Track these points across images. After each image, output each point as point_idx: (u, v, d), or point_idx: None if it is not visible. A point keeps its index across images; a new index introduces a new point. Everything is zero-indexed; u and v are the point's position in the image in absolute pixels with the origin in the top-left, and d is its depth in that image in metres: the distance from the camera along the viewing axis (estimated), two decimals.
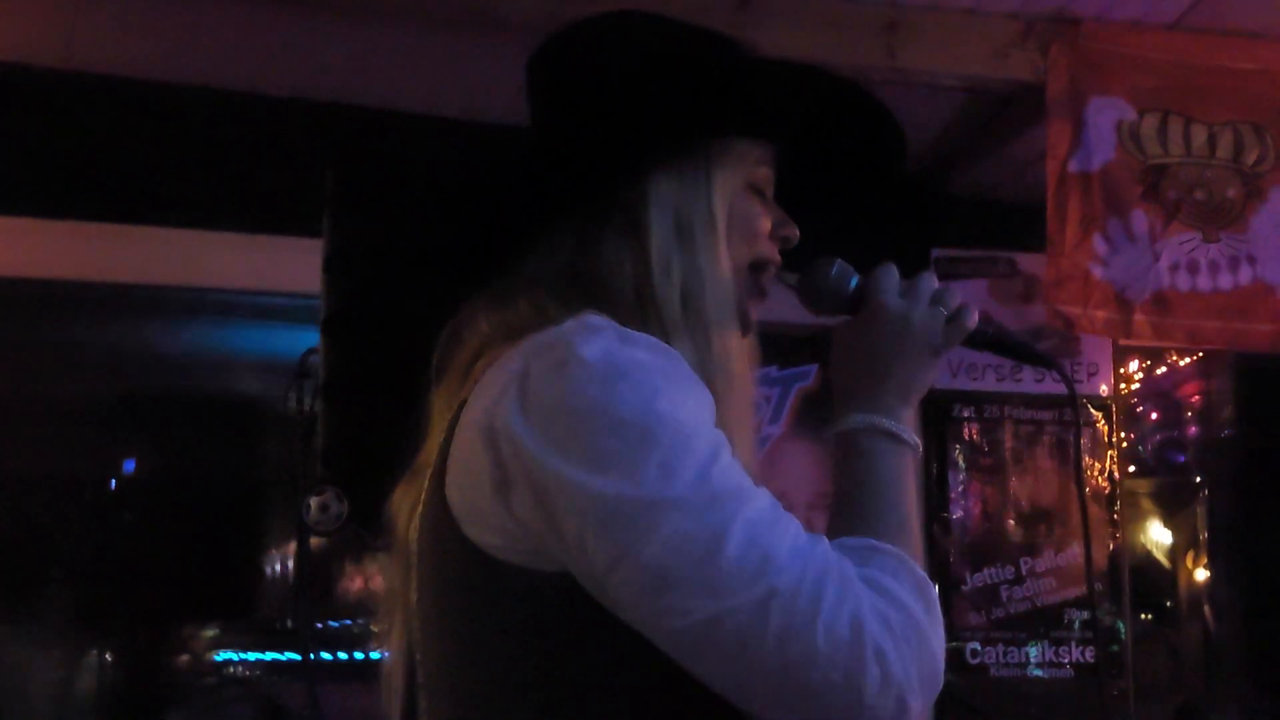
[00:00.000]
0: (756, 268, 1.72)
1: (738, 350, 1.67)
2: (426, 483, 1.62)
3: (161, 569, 6.07)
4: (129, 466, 6.32)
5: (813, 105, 1.75)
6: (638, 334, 1.51)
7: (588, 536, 1.41)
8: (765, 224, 1.72)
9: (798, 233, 1.75)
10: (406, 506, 1.70)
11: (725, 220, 1.66)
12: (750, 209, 1.70)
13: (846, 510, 1.57)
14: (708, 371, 1.56)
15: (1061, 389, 5.57)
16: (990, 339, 1.77)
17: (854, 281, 1.73)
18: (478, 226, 1.75)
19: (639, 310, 1.59)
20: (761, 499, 1.45)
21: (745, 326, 1.71)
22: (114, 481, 6.30)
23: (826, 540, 1.47)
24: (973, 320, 1.71)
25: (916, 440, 1.64)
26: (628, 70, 1.71)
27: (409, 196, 3.22)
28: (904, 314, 1.67)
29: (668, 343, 1.54)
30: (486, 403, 1.50)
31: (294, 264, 3.99)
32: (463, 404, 1.59)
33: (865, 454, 1.61)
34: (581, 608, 1.45)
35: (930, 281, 1.70)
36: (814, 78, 1.73)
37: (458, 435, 1.55)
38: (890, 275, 1.71)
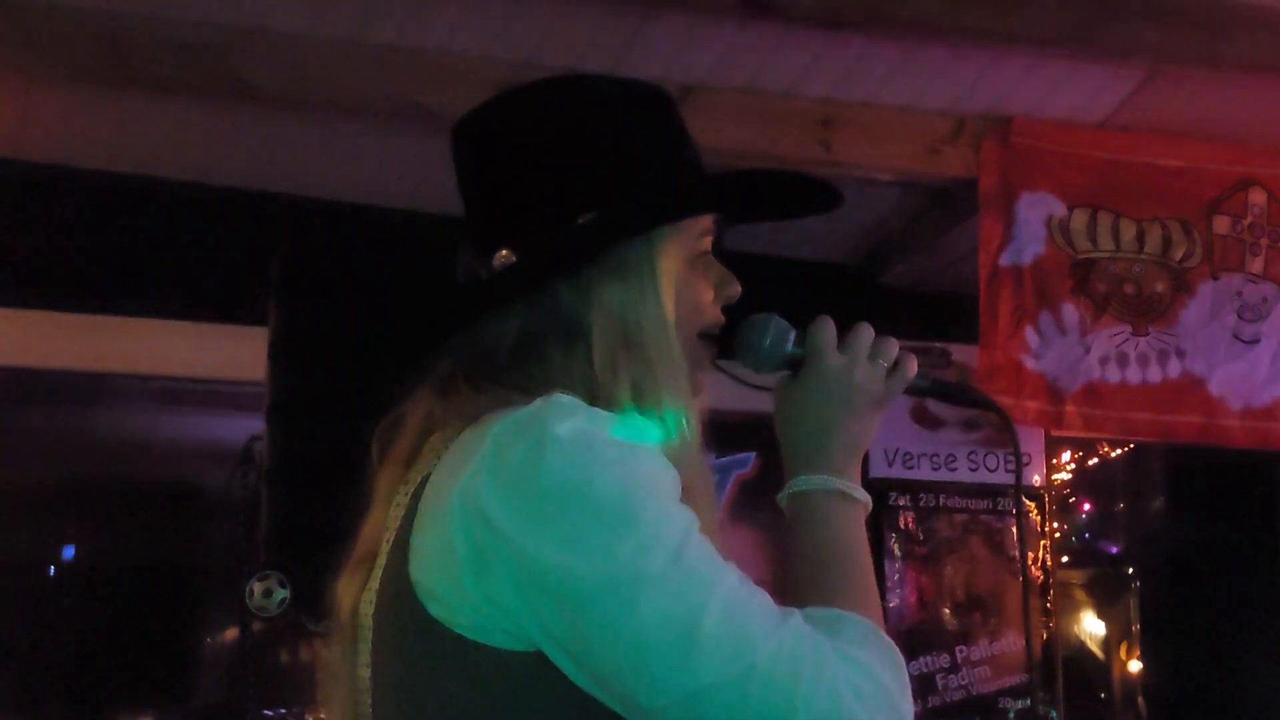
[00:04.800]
0: (704, 336, 1.70)
1: (695, 425, 1.64)
2: (383, 561, 1.61)
3: (100, 655, 6.03)
4: (69, 553, 6.28)
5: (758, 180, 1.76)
6: (608, 413, 1.51)
7: (567, 617, 1.41)
8: (708, 294, 1.70)
9: (739, 289, 1.72)
10: (353, 589, 1.67)
11: (674, 310, 1.63)
12: (695, 286, 1.68)
13: (808, 576, 1.59)
14: (671, 453, 1.54)
15: (996, 479, 5.55)
16: (929, 387, 1.78)
17: (792, 339, 1.71)
18: (417, 317, 1.73)
19: (592, 405, 1.54)
20: (732, 575, 1.45)
21: (694, 389, 1.67)
22: (53, 568, 6.26)
23: (797, 613, 1.47)
24: (912, 369, 1.72)
25: (867, 496, 1.66)
26: (563, 160, 1.65)
27: (353, 285, 3.26)
28: (846, 372, 1.67)
29: None
30: (458, 483, 1.48)
31: (239, 351, 4.02)
32: (423, 481, 1.56)
33: (821, 516, 1.63)
34: (554, 686, 1.46)
35: (867, 334, 1.71)
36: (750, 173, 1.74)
37: (423, 515, 1.53)
38: (828, 331, 1.70)
